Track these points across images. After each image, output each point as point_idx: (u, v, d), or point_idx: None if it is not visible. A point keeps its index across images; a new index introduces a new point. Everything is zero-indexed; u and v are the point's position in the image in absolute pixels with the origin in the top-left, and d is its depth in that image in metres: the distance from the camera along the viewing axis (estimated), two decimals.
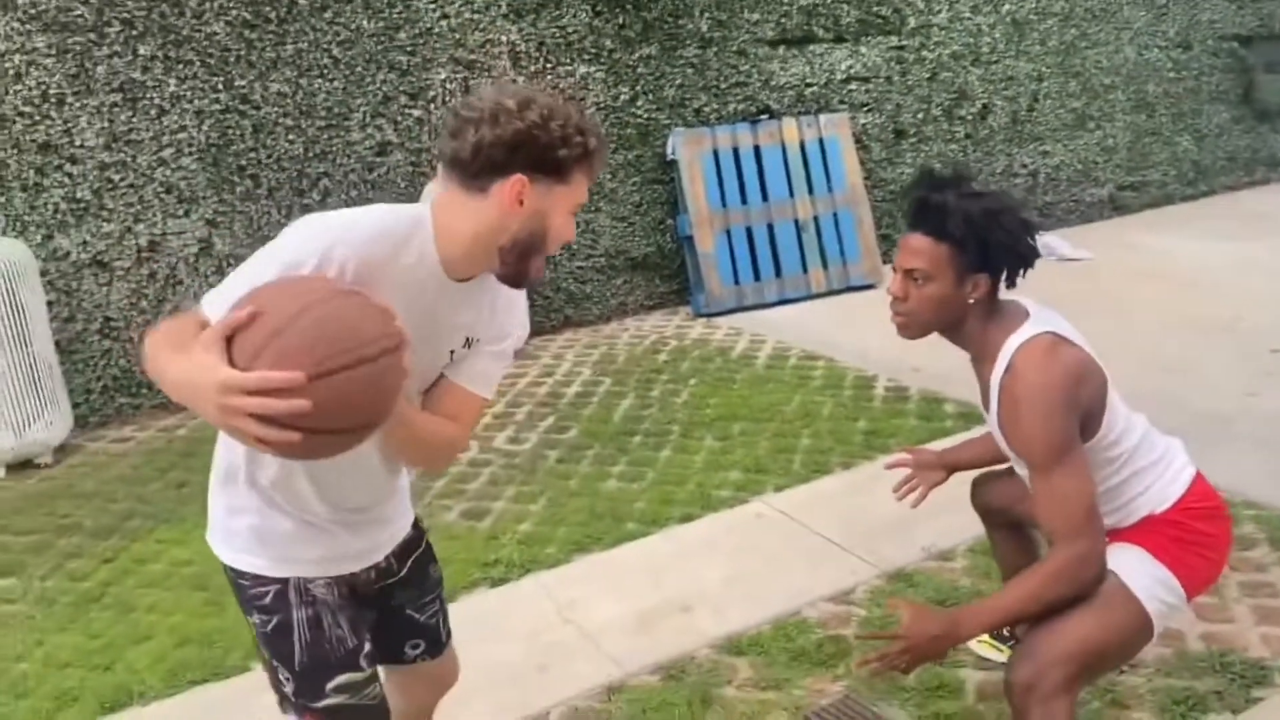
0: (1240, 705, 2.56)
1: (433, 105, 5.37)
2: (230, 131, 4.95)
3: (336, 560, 1.75)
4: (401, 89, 5.30)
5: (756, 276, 6.21)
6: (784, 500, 3.81)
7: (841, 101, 6.67)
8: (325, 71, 5.12)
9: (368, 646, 1.76)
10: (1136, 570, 2.02)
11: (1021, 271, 2.06)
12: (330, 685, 1.70)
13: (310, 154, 5.14)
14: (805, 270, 6.32)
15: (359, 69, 5.19)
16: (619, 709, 2.74)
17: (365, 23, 5.16)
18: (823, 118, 6.50)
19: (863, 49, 6.69)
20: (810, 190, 6.38)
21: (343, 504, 1.73)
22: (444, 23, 5.36)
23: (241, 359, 1.31)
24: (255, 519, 1.70)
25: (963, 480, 2.69)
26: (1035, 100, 7.46)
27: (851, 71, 6.67)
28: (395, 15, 5.24)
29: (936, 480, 2.60)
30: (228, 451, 1.71)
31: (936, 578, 3.24)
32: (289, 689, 1.73)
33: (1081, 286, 5.94)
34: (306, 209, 5.16)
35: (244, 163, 5.01)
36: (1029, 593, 1.94)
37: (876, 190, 6.81)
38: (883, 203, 6.86)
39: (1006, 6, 7.13)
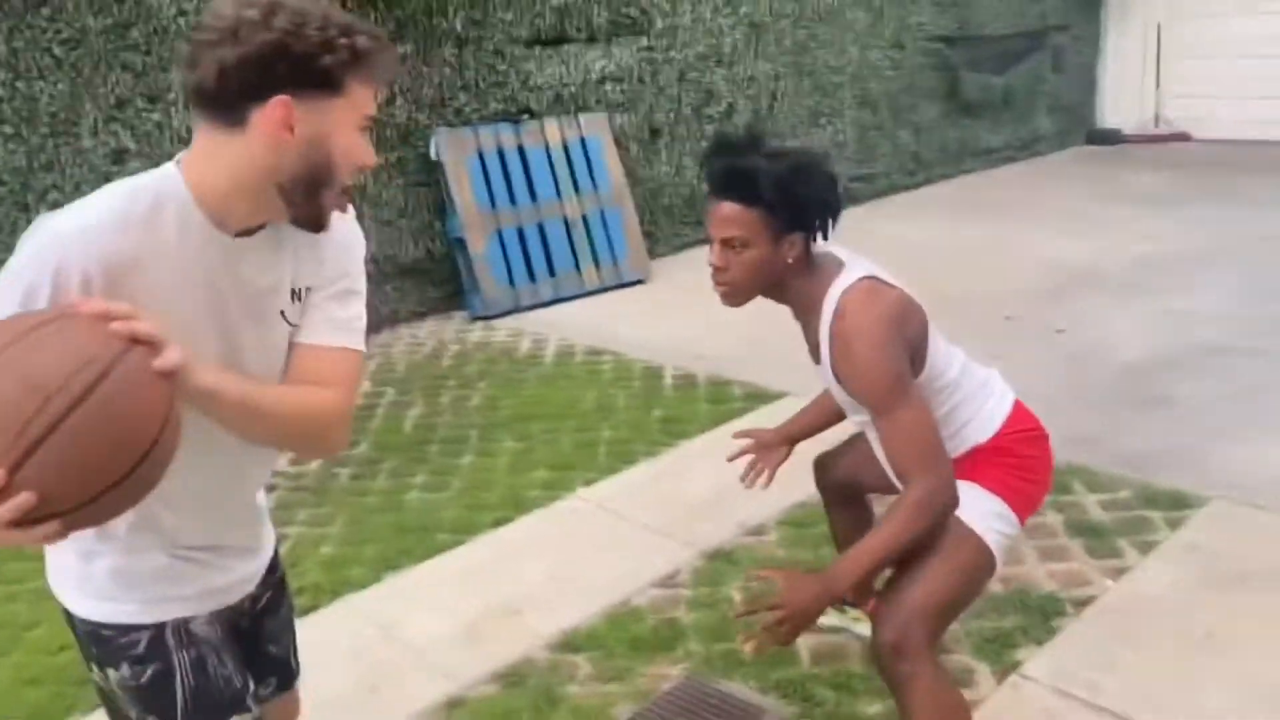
0: (1043, 637, 2.80)
1: (174, 109, 4.96)
2: None
3: (215, 593, 1.56)
4: (138, 91, 4.87)
5: (531, 277, 6.17)
6: (595, 493, 3.81)
7: (598, 101, 6.75)
8: (47, 73, 4.61)
9: (253, 685, 1.58)
10: (973, 508, 2.10)
11: (832, 223, 2.09)
12: None
13: (35, 164, 4.62)
14: (578, 268, 6.35)
15: (87, 71, 4.72)
16: None
17: (91, 20, 4.69)
18: (582, 117, 6.55)
19: (615, 50, 6.80)
20: (576, 189, 6.42)
21: (214, 529, 1.55)
22: (181, 20, 4.96)
23: None
24: (118, 559, 1.47)
25: None
26: (774, 99, 7.85)
27: (606, 72, 6.76)
28: (125, 12, 4.80)
29: (780, 458, 2.66)
30: None
31: (755, 552, 3.33)
32: None
33: None
34: None
35: None
36: (895, 531, 1.98)
37: (637, 189, 6.94)
38: (643, 200, 7.00)
39: (744, 9, 7.47)
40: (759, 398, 4.52)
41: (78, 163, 4.73)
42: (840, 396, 2.19)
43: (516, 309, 6.04)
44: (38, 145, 4.62)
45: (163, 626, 1.49)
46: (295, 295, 1.47)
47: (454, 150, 5.98)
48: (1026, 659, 2.71)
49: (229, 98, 1.28)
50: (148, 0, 4.86)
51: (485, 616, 3.07)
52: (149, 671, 1.49)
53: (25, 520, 1.12)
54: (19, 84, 4.54)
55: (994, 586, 3.03)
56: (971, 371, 2.27)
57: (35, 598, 3.32)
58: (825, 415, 2.65)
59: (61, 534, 1.16)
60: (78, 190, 4.72)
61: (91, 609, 1.49)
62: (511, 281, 6.09)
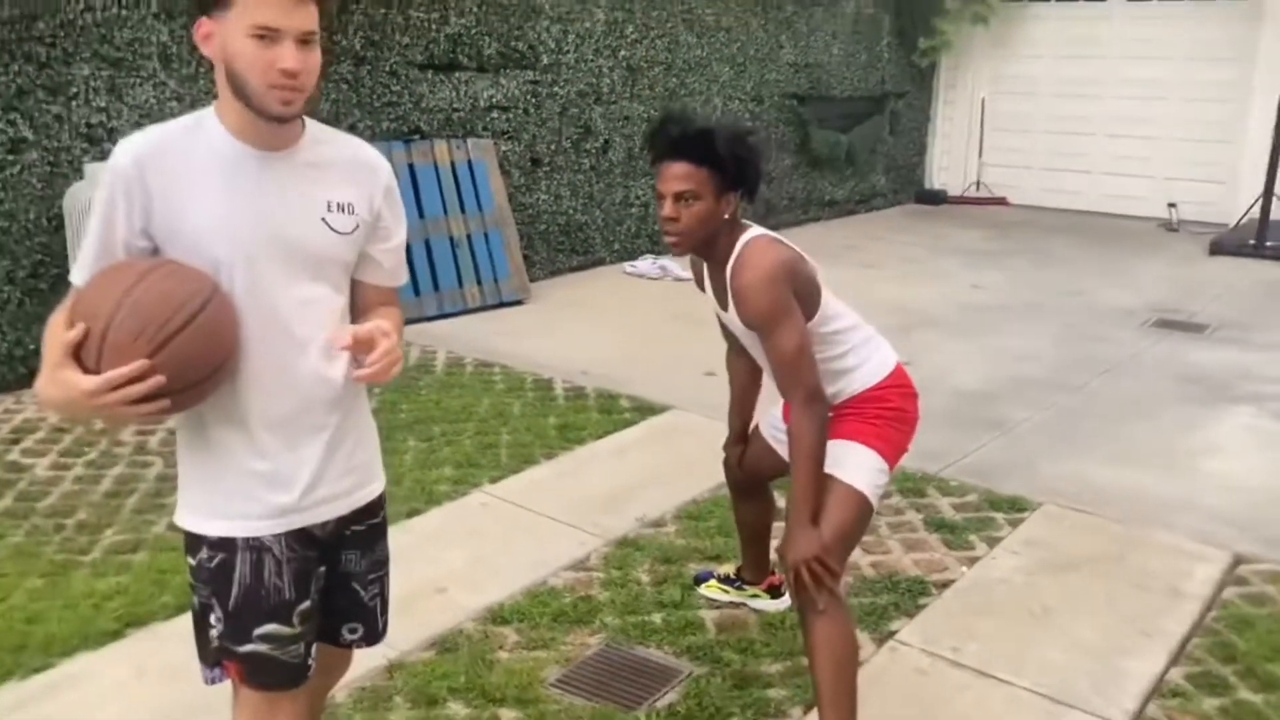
0: (913, 611, 3.26)
1: (74, 102, 4.96)
2: None
3: (286, 512, 1.77)
4: (39, 83, 4.84)
5: (416, 292, 6.36)
6: (502, 489, 4.07)
7: (485, 128, 7.04)
8: None
9: (307, 604, 1.79)
10: (853, 466, 2.49)
11: (760, 185, 2.48)
12: (257, 631, 1.74)
13: None
14: (461, 285, 6.58)
15: None
16: (405, 683, 2.86)
17: None
18: (470, 141, 6.82)
19: (503, 80, 7.11)
20: (462, 209, 6.67)
21: (288, 432, 1.76)
22: (88, 15, 4.98)
23: (90, 364, 1.50)
24: (208, 484, 1.76)
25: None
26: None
27: (493, 100, 7.06)
28: (32, 3, 4.79)
29: (742, 453, 3.05)
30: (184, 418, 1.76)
31: (655, 541, 3.67)
32: (216, 630, 1.75)
33: (693, 304, 6.79)
34: None
35: None
36: (804, 453, 2.37)
37: (517, 214, 7.24)
38: (523, 226, 7.30)
39: (622, 53, 7.92)
40: (646, 410, 4.89)
41: None
42: (739, 331, 2.58)
43: (404, 321, 6.20)
44: None
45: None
46: (340, 208, 1.75)
47: None
48: (900, 628, 3.16)
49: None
50: None
51: (414, 593, 3.28)
52: (218, 558, 1.75)
53: (149, 397, 1.49)
54: None
55: (868, 571, 3.49)
56: (861, 327, 2.67)
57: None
58: (749, 408, 3.06)
59: (167, 411, 1.54)
60: None
61: (186, 520, 1.79)
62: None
